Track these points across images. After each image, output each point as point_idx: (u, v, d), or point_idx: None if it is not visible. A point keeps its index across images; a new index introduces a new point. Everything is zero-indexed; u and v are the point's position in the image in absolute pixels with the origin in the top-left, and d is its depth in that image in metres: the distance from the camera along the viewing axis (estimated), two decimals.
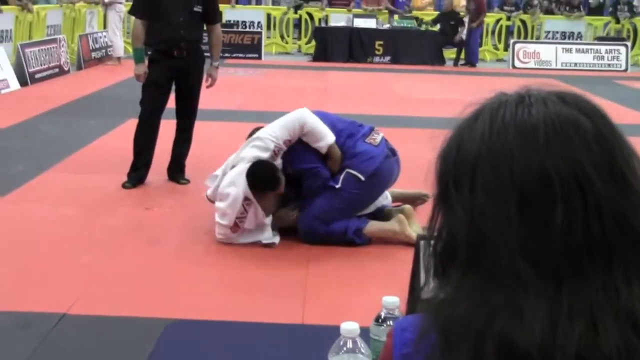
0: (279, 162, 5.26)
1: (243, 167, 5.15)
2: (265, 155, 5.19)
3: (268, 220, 5.25)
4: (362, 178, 5.23)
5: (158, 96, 6.73)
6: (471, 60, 18.99)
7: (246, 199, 5.15)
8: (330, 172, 5.29)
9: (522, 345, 0.86)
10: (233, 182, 5.17)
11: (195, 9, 6.78)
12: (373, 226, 5.32)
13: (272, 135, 5.26)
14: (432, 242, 0.99)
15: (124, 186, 6.58)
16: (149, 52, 6.88)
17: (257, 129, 5.58)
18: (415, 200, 5.98)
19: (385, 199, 5.72)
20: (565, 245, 0.87)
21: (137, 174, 6.71)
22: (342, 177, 5.24)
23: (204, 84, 6.98)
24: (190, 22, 6.75)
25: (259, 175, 5.12)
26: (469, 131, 0.95)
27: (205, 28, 7.07)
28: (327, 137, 5.29)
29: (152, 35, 6.77)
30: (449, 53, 19.02)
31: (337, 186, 5.22)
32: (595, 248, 0.87)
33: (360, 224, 5.29)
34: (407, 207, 5.63)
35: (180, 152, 6.94)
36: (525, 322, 0.86)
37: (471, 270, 0.91)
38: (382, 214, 5.56)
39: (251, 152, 5.21)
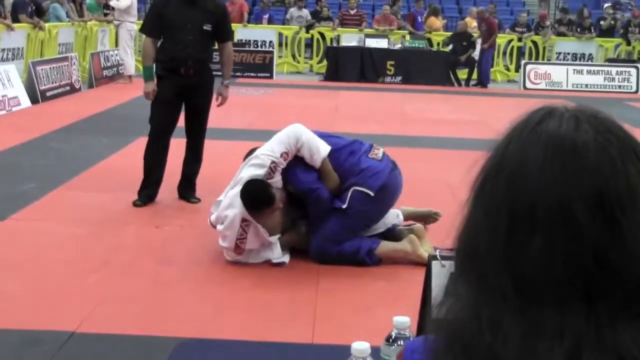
0: (277, 178, 5.21)
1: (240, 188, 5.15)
2: (261, 172, 5.15)
3: (274, 239, 5.23)
4: (372, 194, 5.21)
5: (166, 113, 6.76)
6: (482, 80, 19.00)
7: (244, 220, 5.12)
8: (330, 193, 5.26)
9: None
10: (231, 204, 5.16)
11: (205, 27, 6.77)
12: (385, 247, 5.30)
13: (269, 151, 5.23)
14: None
15: (134, 204, 6.58)
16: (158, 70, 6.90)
17: (254, 149, 5.48)
18: (426, 218, 5.95)
19: (397, 217, 5.70)
20: (546, 273, 0.86)
21: (147, 192, 6.72)
22: (349, 195, 5.22)
23: (214, 103, 6.99)
24: (200, 41, 6.73)
25: (251, 194, 5.08)
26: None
27: (217, 46, 7.10)
28: (320, 151, 5.27)
29: (161, 52, 6.80)
30: (462, 74, 19.03)
31: (343, 206, 5.19)
32: (576, 280, 0.86)
33: (372, 244, 5.27)
34: (418, 226, 5.61)
35: (191, 170, 6.94)
36: (503, 338, 0.86)
37: (467, 281, 0.91)
38: (392, 233, 5.54)
39: (249, 172, 5.20)
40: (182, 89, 6.72)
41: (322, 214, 5.22)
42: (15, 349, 3.91)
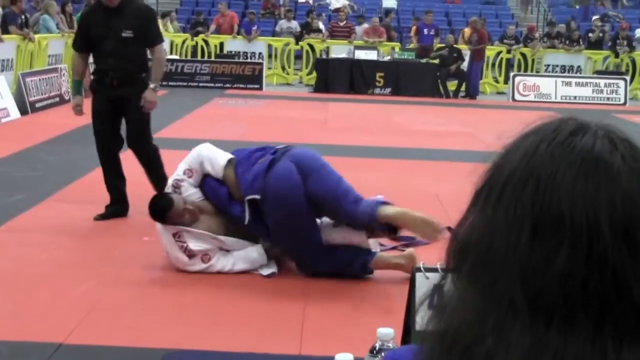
0: (189, 192, 5.38)
1: None
2: (169, 190, 5.43)
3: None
4: (259, 197, 5.18)
5: (100, 127, 6.59)
6: (472, 92, 19.09)
7: (173, 235, 5.25)
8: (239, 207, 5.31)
9: None
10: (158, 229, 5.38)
11: (125, 34, 6.46)
12: (380, 259, 5.30)
13: (176, 171, 5.52)
14: (454, 238, 0.97)
15: (94, 218, 6.50)
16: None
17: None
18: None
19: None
20: (561, 290, 0.86)
21: (112, 209, 6.63)
22: (246, 209, 5.22)
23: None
24: (121, 50, 6.44)
25: (150, 208, 5.34)
26: (518, 144, 0.94)
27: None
28: (219, 162, 5.42)
29: (94, 66, 6.70)
30: (451, 85, 19.10)
31: (245, 222, 5.22)
32: (590, 302, 0.86)
33: (367, 257, 5.25)
34: (411, 251, 5.47)
35: (154, 182, 6.66)
36: (507, 347, 0.85)
37: (474, 282, 0.90)
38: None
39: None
40: (111, 101, 6.54)
41: (258, 231, 5.26)
42: None
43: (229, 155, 5.46)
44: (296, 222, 5.09)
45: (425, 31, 20.46)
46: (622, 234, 0.86)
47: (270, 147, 5.61)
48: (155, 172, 6.74)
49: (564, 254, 0.85)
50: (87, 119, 12.54)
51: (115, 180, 6.70)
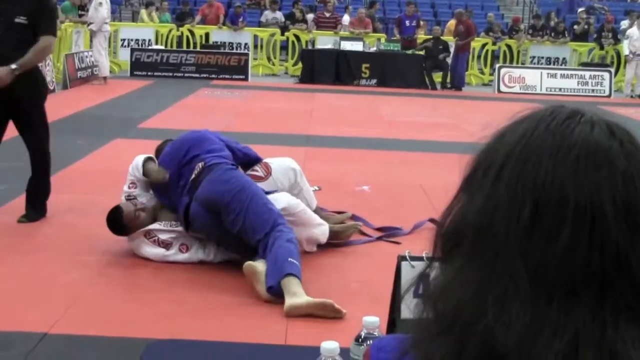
0: (144, 199, 5.53)
1: None
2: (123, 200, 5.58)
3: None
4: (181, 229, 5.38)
5: None
6: (457, 84, 19.12)
7: (144, 236, 5.31)
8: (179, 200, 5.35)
9: (501, 346, 0.86)
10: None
11: (18, 20, 5.92)
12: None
13: (123, 190, 5.66)
14: (443, 222, 0.98)
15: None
16: None
17: (167, 141, 5.84)
18: (344, 232, 5.91)
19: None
20: (562, 266, 0.87)
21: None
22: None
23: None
24: (11, 36, 5.90)
25: (108, 227, 5.38)
26: (514, 127, 0.96)
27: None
28: (140, 162, 5.57)
29: None
30: (437, 77, 19.14)
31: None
32: (591, 278, 0.87)
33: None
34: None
35: (32, 188, 6.29)
36: (508, 323, 0.86)
37: (472, 260, 0.91)
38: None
39: None
40: (1, 94, 5.91)
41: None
42: None
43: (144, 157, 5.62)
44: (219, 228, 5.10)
45: (407, 22, 20.46)
46: (624, 214, 0.88)
47: (216, 149, 5.58)
48: (44, 176, 6.33)
49: (566, 232, 0.87)
50: (71, 108, 12.51)
51: None
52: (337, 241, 5.81)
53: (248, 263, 4.68)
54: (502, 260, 0.89)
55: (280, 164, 5.94)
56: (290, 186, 5.77)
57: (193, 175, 5.27)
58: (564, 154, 0.90)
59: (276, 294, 4.51)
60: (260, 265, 4.65)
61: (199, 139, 5.66)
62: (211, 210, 5.04)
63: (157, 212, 5.47)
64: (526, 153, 0.92)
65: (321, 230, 5.48)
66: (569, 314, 0.86)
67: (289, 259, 4.63)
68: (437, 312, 0.93)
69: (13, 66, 5.89)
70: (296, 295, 4.44)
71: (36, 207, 6.25)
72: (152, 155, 5.71)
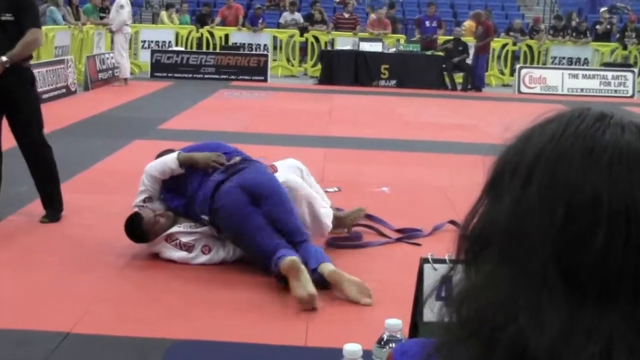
0: (157, 206, 5.52)
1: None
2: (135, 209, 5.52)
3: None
4: (207, 218, 5.33)
5: None
6: (477, 85, 19.06)
7: (165, 240, 5.33)
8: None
9: (532, 350, 0.86)
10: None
11: (4, 17, 5.86)
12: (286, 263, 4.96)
13: (135, 202, 5.60)
14: (468, 226, 0.97)
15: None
16: None
17: (167, 150, 5.83)
18: (351, 218, 6.04)
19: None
20: (597, 268, 0.86)
21: None
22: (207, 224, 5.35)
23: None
24: (1, 35, 5.86)
25: (127, 235, 5.38)
26: (541, 129, 0.94)
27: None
28: (168, 161, 5.52)
29: None
30: (457, 77, 19.07)
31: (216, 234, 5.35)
32: (626, 280, 0.87)
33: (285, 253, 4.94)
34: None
35: (42, 192, 6.29)
36: (541, 326, 0.85)
37: (503, 263, 0.90)
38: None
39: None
40: None
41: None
42: (9, 350, 3.92)
43: (172, 155, 5.58)
44: (244, 229, 5.12)
45: (427, 23, 20.43)
46: None
47: (232, 153, 5.63)
48: (48, 176, 6.27)
49: (601, 233, 0.86)
50: (92, 110, 12.58)
51: None
52: (356, 243, 5.80)
53: (294, 259, 4.69)
54: (534, 264, 0.87)
55: (286, 163, 5.99)
56: (282, 182, 5.75)
57: (230, 162, 5.39)
58: (596, 157, 0.89)
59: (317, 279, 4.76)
60: (302, 265, 4.70)
61: (219, 145, 5.78)
62: (248, 193, 5.12)
63: (173, 216, 5.48)
64: (556, 155, 0.91)
65: (325, 212, 5.69)
66: (602, 317, 0.86)
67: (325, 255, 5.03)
68: (463, 316, 0.92)
69: (3, 59, 5.84)
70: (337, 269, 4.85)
71: (54, 206, 6.26)
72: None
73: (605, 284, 0.86)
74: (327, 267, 4.88)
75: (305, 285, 4.51)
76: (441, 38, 20.17)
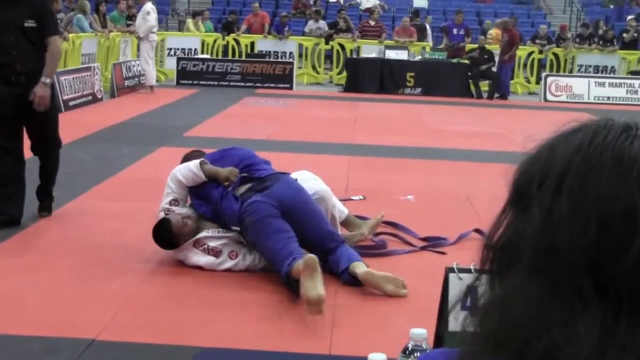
0: (183, 211, 5.53)
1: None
2: (161, 214, 5.56)
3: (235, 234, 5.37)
4: (238, 228, 5.34)
5: (3, 136, 6.06)
6: (502, 92, 18.98)
7: (193, 245, 5.34)
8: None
9: None
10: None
11: (27, 24, 5.98)
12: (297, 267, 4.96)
13: (161, 205, 5.64)
14: (492, 237, 0.96)
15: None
16: None
17: (195, 151, 6.03)
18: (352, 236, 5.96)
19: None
20: (632, 280, 0.86)
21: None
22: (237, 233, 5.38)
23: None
24: (23, 42, 5.99)
25: (155, 240, 5.39)
26: (566, 139, 0.93)
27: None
28: (192, 167, 5.54)
29: None
30: (483, 85, 19.00)
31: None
32: None
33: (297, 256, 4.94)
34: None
35: (42, 197, 6.47)
36: (576, 340, 0.84)
37: (533, 276, 0.88)
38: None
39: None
40: (16, 99, 5.98)
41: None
42: (35, 356, 3.95)
43: (196, 160, 5.63)
44: (263, 232, 5.13)
45: (455, 31, 20.39)
46: None
47: (258, 164, 5.68)
48: (51, 182, 6.48)
49: (637, 244, 0.85)
50: (118, 117, 12.67)
51: (19, 183, 6.28)
52: (381, 251, 5.83)
53: (313, 257, 4.61)
54: (567, 276, 0.86)
55: (300, 175, 6.00)
56: (313, 193, 5.79)
57: (258, 176, 5.45)
58: (626, 166, 0.88)
59: (347, 279, 5.00)
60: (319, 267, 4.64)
61: (248, 154, 5.81)
62: (278, 206, 5.15)
63: (199, 222, 5.51)
64: (586, 165, 0.90)
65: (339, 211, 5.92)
66: (636, 330, 0.85)
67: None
68: (488, 327, 0.91)
69: (47, 80, 6.07)
70: (371, 269, 4.99)
71: (48, 200, 6.52)
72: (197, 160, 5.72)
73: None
74: (359, 267, 4.99)
75: (316, 286, 4.41)
76: (468, 46, 20.11)
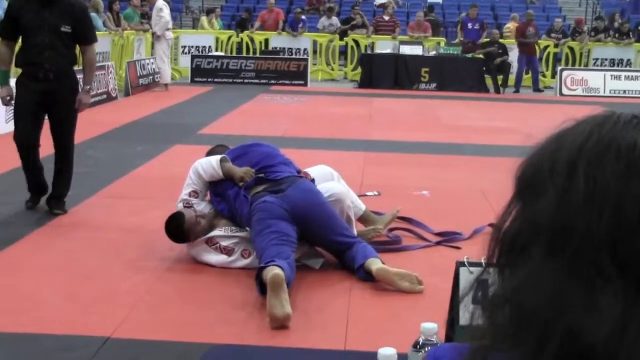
0: (200, 207, 5.58)
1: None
2: (180, 205, 5.63)
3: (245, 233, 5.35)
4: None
5: (26, 128, 6.47)
6: (536, 86, 19.06)
7: (206, 243, 5.36)
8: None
9: (587, 338, 0.84)
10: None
11: (63, 28, 6.42)
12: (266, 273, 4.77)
13: (181, 196, 5.70)
14: (501, 229, 0.96)
15: (26, 204, 6.67)
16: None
17: (219, 146, 6.10)
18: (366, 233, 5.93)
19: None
20: None
21: (34, 198, 6.75)
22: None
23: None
24: (57, 44, 6.42)
25: (167, 233, 5.43)
26: (573, 129, 0.93)
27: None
28: (213, 163, 5.57)
29: (20, 58, 6.55)
30: (512, 80, 19.00)
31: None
32: None
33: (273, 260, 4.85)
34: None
35: (58, 192, 6.71)
36: (598, 315, 0.84)
37: (550, 258, 0.88)
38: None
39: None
40: (42, 96, 6.42)
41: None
42: (50, 354, 3.96)
43: (218, 156, 5.65)
44: (255, 229, 5.13)
45: (470, 25, 20.32)
46: None
47: (279, 164, 5.64)
48: (67, 172, 6.74)
49: None
50: (133, 115, 12.70)
51: (38, 177, 6.70)
52: (396, 246, 5.82)
53: (279, 274, 4.48)
54: (586, 255, 0.86)
55: (318, 170, 6.01)
56: (329, 195, 5.78)
57: (274, 178, 5.41)
58: (634, 157, 0.88)
59: (363, 276, 5.04)
60: (285, 283, 4.52)
61: (269, 153, 5.76)
62: (289, 210, 5.12)
63: (214, 220, 5.51)
64: (599, 148, 0.89)
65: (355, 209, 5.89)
66: None
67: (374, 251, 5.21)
68: (500, 318, 0.91)
69: (87, 87, 6.73)
70: (386, 265, 5.02)
71: (62, 200, 6.71)
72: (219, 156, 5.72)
73: None
74: (374, 264, 5.00)
75: (282, 304, 4.34)
76: (483, 40, 20.07)
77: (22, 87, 6.49)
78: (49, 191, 6.73)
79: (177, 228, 5.36)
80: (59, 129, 6.62)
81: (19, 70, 6.73)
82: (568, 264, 0.87)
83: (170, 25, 17.17)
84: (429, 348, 1.80)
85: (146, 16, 18.50)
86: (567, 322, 0.85)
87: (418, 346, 1.84)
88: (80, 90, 6.69)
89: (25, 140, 6.49)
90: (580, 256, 0.86)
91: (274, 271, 4.49)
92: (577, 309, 0.85)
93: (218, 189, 5.57)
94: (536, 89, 19.38)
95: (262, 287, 4.61)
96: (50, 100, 6.44)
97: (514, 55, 19.29)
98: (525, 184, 0.95)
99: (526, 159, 0.95)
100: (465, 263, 2.15)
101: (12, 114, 6.89)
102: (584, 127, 0.93)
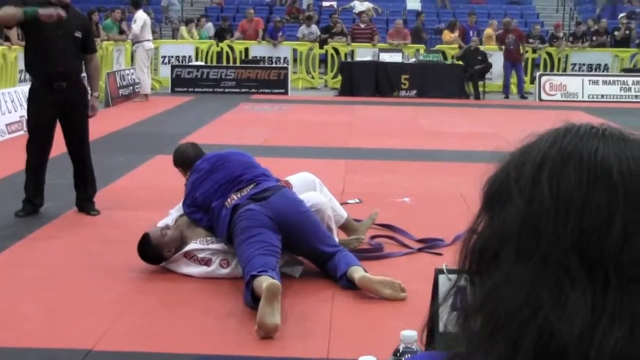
0: (169, 218, 5.78)
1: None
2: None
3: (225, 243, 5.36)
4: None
5: (41, 144, 6.67)
6: (506, 93, 19.10)
7: (184, 256, 5.37)
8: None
9: (560, 337, 0.87)
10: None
11: (76, 33, 6.55)
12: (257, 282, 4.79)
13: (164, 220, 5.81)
14: (470, 239, 0.98)
15: (16, 215, 6.70)
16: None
17: (191, 144, 6.43)
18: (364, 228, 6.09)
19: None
20: (616, 254, 0.88)
21: (32, 208, 6.82)
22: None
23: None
24: (70, 49, 6.54)
25: (141, 257, 5.42)
26: (536, 141, 0.97)
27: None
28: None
29: (30, 63, 6.57)
30: (481, 86, 19.07)
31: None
32: None
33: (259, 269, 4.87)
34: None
35: (82, 199, 6.93)
36: (568, 314, 0.87)
37: (521, 261, 0.91)
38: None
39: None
40: (57, 109, 6.55)
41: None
42: None
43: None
44: (239, 238, 5.13)
45: (472, 33, 20.58)
46: None
47: (258, 176, 5.63)
48: (90, 175, 7.00)
49: (620, 220, 0.88)
50: (113, 126, 12.65)
51: (41, 182, 6.83)
52: (378, 254, 5.84)
53: (276, 282, 4.51)
54: (554, 256, 0.89)
55: (300, 177, 6.02)
56: (310, 205, 5.78)
57: (258, 190, 5.38)
58: (604, 149, 0.92)
59: (345, 284, 5.05)
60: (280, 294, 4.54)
61: (247, 164, 5.75)
62: (272, 218, 5.13)
63: (188, 230, 5.51)
64: (562, 156, 0.93)
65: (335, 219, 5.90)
66: (623, 301, 0.87)
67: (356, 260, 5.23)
68: (478, 326, 0.93)
69: (95, 94, 7.02)
70: (368, 274, 5.03)
71: (91, 201, 6.95)
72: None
73: (625, 269, 0.88)
74: (356, 272, 5.01)
75: (274, 314, 4.35)
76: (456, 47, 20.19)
77: (35, 102, 6.61)
78: (43, 204, 6.83)
79: (146, 245, 5.36)
80: (77, 135, 6.82)
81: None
82: (538, 267, 0.89)
83: (149, 36, 17.11)
84: (409, 355, 1.82)
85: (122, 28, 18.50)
86: (539, 324, 0.87)
87: (398, 354, 1.86)
88: (89, 96, 6.93)
89: (42, 157, 6.71)
90: (549, 260, 0.89)
91: (270, 280, 4.50)
92: (549, 310, 0.87)
93: (199, 200, 5.55)
94: (522, 95, 19.46)
95: (252, 296, 4.61)
96: (64, 112, 6.62)
97: (494, 61, 19.39)
98: (492, 195, 0.98)
99: (492, 174, 0.98)
100: (444, 270, 2.17)
101: None
102: (547, 139, 0.96)
